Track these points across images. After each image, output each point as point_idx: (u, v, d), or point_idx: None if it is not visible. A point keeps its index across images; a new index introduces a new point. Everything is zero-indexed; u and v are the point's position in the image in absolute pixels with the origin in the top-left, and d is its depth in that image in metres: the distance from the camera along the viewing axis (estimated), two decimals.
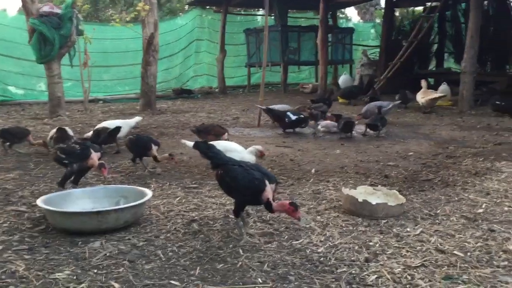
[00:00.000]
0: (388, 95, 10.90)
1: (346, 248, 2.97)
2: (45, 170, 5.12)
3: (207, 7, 18.42)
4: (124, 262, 2.75)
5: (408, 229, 3.29)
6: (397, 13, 17.29)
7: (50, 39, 8.84)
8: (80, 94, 11.47)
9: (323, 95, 10.79)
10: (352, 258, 2.83)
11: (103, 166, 3.88)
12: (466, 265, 2.73)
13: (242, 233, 3.13)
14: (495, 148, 6.19)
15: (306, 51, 16.77)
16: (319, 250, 2.94)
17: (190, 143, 4.24)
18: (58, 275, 2.57)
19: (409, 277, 2.58)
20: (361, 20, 27.01)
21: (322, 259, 2.82)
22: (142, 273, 2.63)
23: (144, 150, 4.92)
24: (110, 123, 6.28)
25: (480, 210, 3.69)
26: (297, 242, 3.08)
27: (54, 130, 5.64)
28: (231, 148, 4.86)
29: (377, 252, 2.91)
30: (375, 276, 2.60)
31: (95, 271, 2.64)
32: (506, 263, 2.75)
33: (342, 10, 24.76)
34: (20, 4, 9.82)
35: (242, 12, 20.73)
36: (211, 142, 4.80)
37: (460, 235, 3.18)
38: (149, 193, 3.53)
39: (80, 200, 3.66)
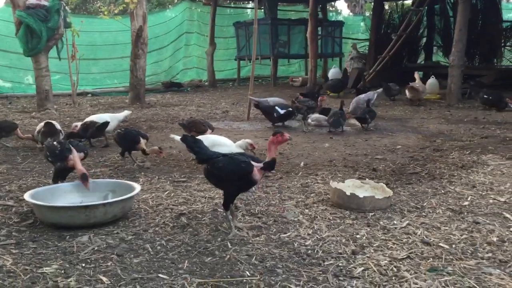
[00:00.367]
0: (377, 89, 10.92)
1: (333, 241, 3.00)
2: (33, 164, 5.10)
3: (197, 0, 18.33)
4: (112, 256, 2.76)
5: (394, 222, 3.33)
6: (386, 7, 17.35)
7: (37, 32, 8.73)
8: (68, 87, 11.38)
9: (312, 89, 10.79)
10: (339, 251, 2.86)
11: (85, 179, 3.58)
12: (451, 257, 2.77)
13: (231, 227, 3.15)
14: (481, 141, 6.26)
15: (296, 44, 16.77)
16: (307, 243, 2.97)
17: (178, 138, 4.24)
18: (46, 269, 2.57)
19: (395, 269, 2.62)
20: (351, 13, 27.06)
21: (309, 252, 2.85)
22: (130, 266, 2.64)
23: (133, 144, 4.92)
24: (99, 117, 6.25)
25: (466, 203, 3.74)
26: (285, 235, 3.11)
27: (42, 124, 5.59)
28: (220, 142, 4.88)
29: (364, 244, 2.95)
30: (362, 268, 2.63)
31: (83, 265, 2.64)
32: (490, 254, 2.80)
33: (332, 3, 24.79)
34: None
35: (232, 5, 20.64)
36: (199, 137, 4.83)
37: (446, 228, 3.22)
38: (137, 187, 3.53)
39: (69, 194, 3.65)
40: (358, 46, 16.54)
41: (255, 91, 10.34)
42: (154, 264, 2.68)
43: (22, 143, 6.06)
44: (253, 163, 3.10)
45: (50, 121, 5.63)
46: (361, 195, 3.59)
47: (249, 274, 2.56)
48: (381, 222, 3.32)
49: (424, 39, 16.30)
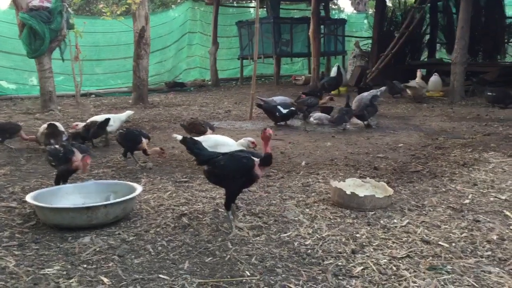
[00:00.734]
0: (380, 87, 10.90)
1: (333, 240, 3.02)
2: (36, 165, 5.13)
3: None
4: (113, 257, 2.78)
5: (395, 221, 3.34)
6: (389, 4, 17.29)
7: (40, 34, 8.79)
8: (72, 88, 11.43)
9: (315, 88, 10.78)
10: (339, 250, 2.87)
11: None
12: (450, 255, 2.78)
13: (232, 226, 3.17)
14: (484, 138, 6.25)
15: (299, 43, 16.76)
16: (307, 243, 2.98)
17: (180, 137, 4.26)
18: (48, 271, 2.60)
19: (394, 268, 2.63)
20: (354, 11, 26.97)
21: (309, 251, 2.86)
22: (131, 267, 2.66)
23: (135, 144, 4.95)
24: (101, 118, 6.27)
25: (467, 201, 3.74)
26: (286, 234, 3.12)
27: (45, 125, 5.63)
28: (223, 142, 4.87)
29: (364, 243, 2.96)
30: (361, 267, 2.64)
31: (85, 266, 2.67)
32: (489, 253, 2.81)
33: (335, 1, 24.75)
34: None
35: (234, 4, 20.66)
36: (202, 137, 4.86)
37: (446, 226, 3.23)
38: (139, 188, 3.56)
39: (71, 195, 3.68)
40: (361, 44, 16.50)
41: (258, 90, 10.37)
42: (155, 264, 2.70)
43: (26, 145, 6.10)
44: (253, 158, 3.15)
45: (52, 122, 5.66)
46: (361, 194, 3.60)
47: (249, 274, 2.58)
48: (381, 221, 3.33)
49: (427, 37, 16.24)
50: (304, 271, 2.61)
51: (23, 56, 10.95)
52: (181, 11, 17.87)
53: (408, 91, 10.21)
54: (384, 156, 5.38)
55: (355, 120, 7.61)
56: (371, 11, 23.56)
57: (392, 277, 2.54)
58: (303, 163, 5.09)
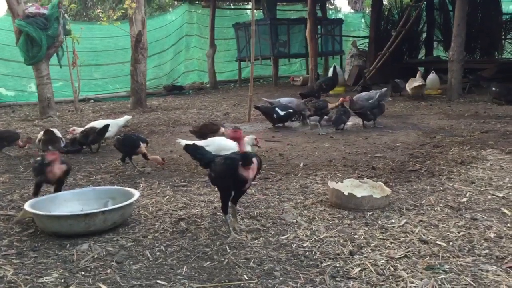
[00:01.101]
0: (378, 86, 10.93)
1: (331, 242, 3.02)
2: None
3: (196, 2, 18.37)
4: (111, 264, 2.79)
5: (392, 221, 3.35)
6: (385, 2, 17.31)
7: (37, 40, 8.80)
8: (70, 94, 11.44)
9: (312, 88, 10.79)
10: (337, 252, 2.87)
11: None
12: (448, 254, 2.78)
13: (230, 230, 3.18)
14: (481, 136, 6.25)
15: (296, 43, 16.76)
16: (305, 245, 2.99)
17: (184, 142, 4.28)
18: (46, 279, 2.61)
19: (392, 269, 2.63)
20: (351, 10, 27.01)
21: (307, 253, 2.86)
22: (129, 273, 2.67)
23: (133, 148, 4.95)
24: (99, 124, 6.29)
25: (464, 199, 3.75)
26: (284, 237, 3.13)
27: (42, 132, 5.63)
28: (226, 146, 4.83)
29: (362, 244, 2.96)
30: (359, 268, 2.65)
31: (83, 273, 2.67)
32: (487, 251, 2.81)
33: (331, 0, 24.77)
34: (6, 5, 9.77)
35: (231, 6, 20.67)
36: (206, 141, 4.89)
37: (444, 225, 3.23)
38: (136, 193, 3.56)
39: (69, 202, 3.68)
40: (358, 43, 16.52)
41: (256, 91, 10.38)
42: (153, 270, 2.71)
43: (24, 152, 6.10)
44: (237, 158, 3.09)
45: (50, 129, 5.67)
46: (359, 195, 3.61)
47: (246, 278, 2.58)
48: (379, 221, 3.34)
49: (424, 34, 16.27)
50: (302, 273, 2.62)
51: (21, 63, 10.93)
52: (178, 14, 17.89)
53: (408, 90, 10.20)
54: (382, 156, 5.38)
55: (355, 120, 7.59)
56: (368, 10, 23.58)
57: (390, 277, 2.54)
58: (301, 165, 5.09)
